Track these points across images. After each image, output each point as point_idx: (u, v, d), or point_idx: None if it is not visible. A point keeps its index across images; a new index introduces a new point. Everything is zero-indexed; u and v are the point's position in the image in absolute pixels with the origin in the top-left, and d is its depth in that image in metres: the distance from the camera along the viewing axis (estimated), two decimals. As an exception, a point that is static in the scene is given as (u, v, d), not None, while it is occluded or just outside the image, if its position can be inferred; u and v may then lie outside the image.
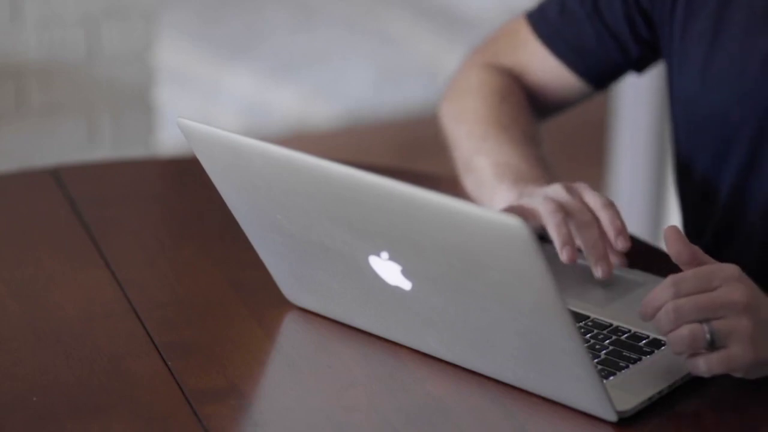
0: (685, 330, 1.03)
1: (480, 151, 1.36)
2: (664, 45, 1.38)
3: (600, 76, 1.45)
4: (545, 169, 1.33)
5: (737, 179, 1.35)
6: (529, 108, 1.45)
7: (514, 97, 1.44)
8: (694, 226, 1.44)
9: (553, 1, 1.46)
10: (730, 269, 1.06)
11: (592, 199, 1.21)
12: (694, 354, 1.05)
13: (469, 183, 1.38)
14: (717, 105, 1.34)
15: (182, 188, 1.56)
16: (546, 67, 1.46)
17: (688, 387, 1.08)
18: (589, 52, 1.43)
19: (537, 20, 1.46)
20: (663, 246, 1.11)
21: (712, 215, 1.39)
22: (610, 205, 1.20)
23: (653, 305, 1.05)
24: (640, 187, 2.97)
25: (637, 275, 1.24)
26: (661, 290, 1.05)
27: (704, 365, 1.04)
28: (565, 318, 0.98)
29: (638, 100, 2.89)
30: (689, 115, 1.38)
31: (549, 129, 1.52)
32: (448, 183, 1.38)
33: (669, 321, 1.04)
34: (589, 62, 1.44)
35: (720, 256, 1.39)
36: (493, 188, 1.31)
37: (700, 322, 1.03)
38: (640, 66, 1.45)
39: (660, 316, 1.04)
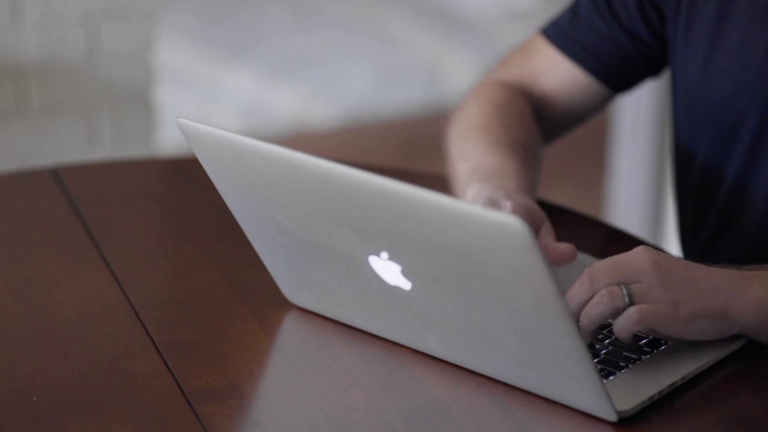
0: (603, 290, 1.08)
1: (462, 155, 1.36)
2: (670, 36, 1.39)
3: (615, 75, 1.44)
4: (519, 170, 1.31)
5: (739, 171, 1.36)
6: (528, 117, 1.43)
7: (511, 107, 1.43)
8: (694, 219, 1.44)
9: (565, 11, 1.46)
10: (638, 248, 1.11)
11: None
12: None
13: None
14: (719, 96, 1.34)
15: (182, 188, 1.56)
16: (558, 71, 1.45)
17: (688, 387, 1.09)
18: (601, 49, 1.42)
19: (549, 29, 1.46)
20: (664, 246, 1.12)
21: (712, 207, 1.40)
22: None
23: (576, 300, 1.09)
24: (640, 187, 2.97)
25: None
26: (579, 285, 1.10)
27: (636, 314, 1.07)
28: (565, 318, 0.98)
29: (638, 100, 2.90)
30: (691, 106, 1.38)
31: (549, 129, 1.51)
32: (448, 183, 1.38)
33: (585, 288, 1.09)
34: (602, 60, 1.43)
35: (718, 247, 1.40)
36: (463, 190, 1.31)
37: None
38: (655, 63, 1.44)
39: (575, 286, 1.09)
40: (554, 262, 1.18)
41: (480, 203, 1.20)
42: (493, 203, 1.20)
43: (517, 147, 1.35)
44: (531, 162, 1.36)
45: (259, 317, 1.21)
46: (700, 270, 1.11)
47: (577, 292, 1.09)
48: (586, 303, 1.09)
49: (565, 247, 1.18)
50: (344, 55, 4.01)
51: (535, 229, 1.20)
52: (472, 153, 1.35)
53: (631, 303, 1.07)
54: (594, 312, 1.08)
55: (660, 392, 1.07)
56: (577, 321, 1.09)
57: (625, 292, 1.08)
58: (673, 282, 1.08)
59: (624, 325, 1.07)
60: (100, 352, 1.15)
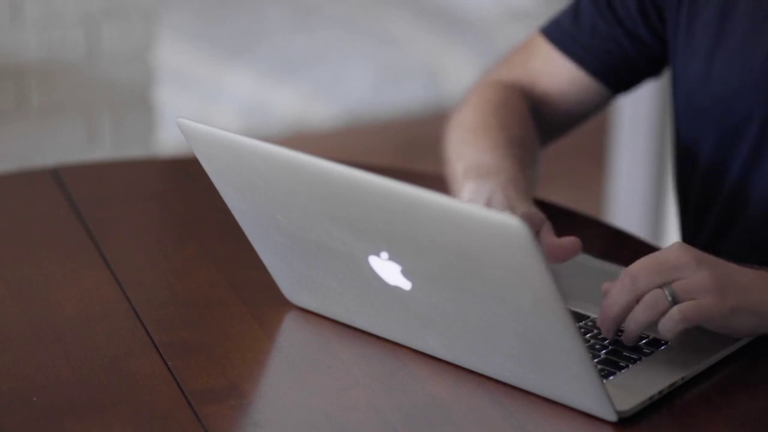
0: (647, 296, 1.08)
1: (459, 155, 1.36)
2: (670, 36, 1.39)
3: (615, 75, 1.44)
4: (515, 166, 1.30)
5: (741, 171, 1.36)
6: (526, 116, 1.43)
7: (509, 107, 1.42)
8: (695, 219, 1.44)
9: (566, 11, 1.46)
10: (672, 245, 1.11)
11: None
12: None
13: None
14: (721, 96, 1.34)
15: (182, 188, 1.56)
16: (558, 71, 1.45)
17: (688, 387, 1.09)
18: (602, 49, 1.42)
19: (549, 28, 1.46)
20: (664, 246, 1.12)
21: (714, 207, 1.40)
22: None
23: (619, 303, 1.09)
24: (640, 187, 2.97)
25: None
26: (620, 288, 1.09)
27: (678, 313, 1.07)
28: (565, 318, 0.98)
29: (638, 100, 2.89)
30: (692, 106, 1.38)
31: (549, 129, 1.51)
32: (448, 183, 1.38)
33: (627, 290, 1.08)
34: (602, 59, 1.43)
35: (719, 246, 1.40)
36: (460, 187, 1.31)
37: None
38: (655, 63, 1.44)
39: (616, 288, 1.09)
40: (559, 258, 1.18)
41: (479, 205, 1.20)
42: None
43: (515, 146, 1.35)
44: (529, 161, 1.35)
45: (259, 317, 1.21)
46: (734, 266, 1.11)
47: (619, 294, 1.09)
48: (627, 305, 1.09)
49: (567, 240, 1.18)
50: (344, 55, 4.01)
51: (535, 231, 1.20)
52: (469, 152, 1.35)
53: (675, 302, 1.08)
54: (641, 318, 1.08)
55: (660, 392, 1.07)
56: (615, 323, 1.10)
57: (667, 293, 1.08)
58: (717, 274, 1.09)
59: (668, 325, 1.07)
60: (100, 352, 1.15)
